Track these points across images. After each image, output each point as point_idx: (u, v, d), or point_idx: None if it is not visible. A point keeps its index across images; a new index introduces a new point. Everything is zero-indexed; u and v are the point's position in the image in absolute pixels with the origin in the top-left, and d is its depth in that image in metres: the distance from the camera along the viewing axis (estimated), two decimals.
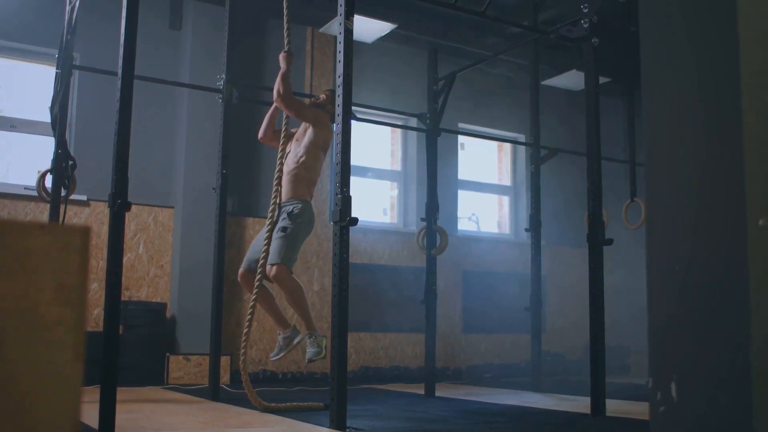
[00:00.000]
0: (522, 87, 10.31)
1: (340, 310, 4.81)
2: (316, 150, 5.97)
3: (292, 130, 6.24)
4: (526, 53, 9.32)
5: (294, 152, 6.01)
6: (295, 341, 5.83)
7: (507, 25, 8.77)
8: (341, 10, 5.08)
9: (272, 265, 5.64)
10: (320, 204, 9.19)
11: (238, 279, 6.03)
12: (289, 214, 5.81)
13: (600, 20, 6.45)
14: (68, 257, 1.20)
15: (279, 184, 5.90)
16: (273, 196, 5.88)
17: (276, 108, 6.22)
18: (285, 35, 5.90)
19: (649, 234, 2.70)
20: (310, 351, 5.68)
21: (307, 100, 6.35)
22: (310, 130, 5.97)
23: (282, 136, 6.07)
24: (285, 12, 5.89)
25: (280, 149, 5.99)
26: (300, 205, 5.86)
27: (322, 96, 6.22)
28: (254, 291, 5.63)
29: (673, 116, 2.60)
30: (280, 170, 5.92)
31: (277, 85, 5.79)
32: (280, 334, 5.91)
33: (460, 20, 9.34)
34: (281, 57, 5.88)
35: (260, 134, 6.34)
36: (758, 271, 2.28)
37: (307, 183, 5.97)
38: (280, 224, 5.78)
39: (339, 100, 5.01)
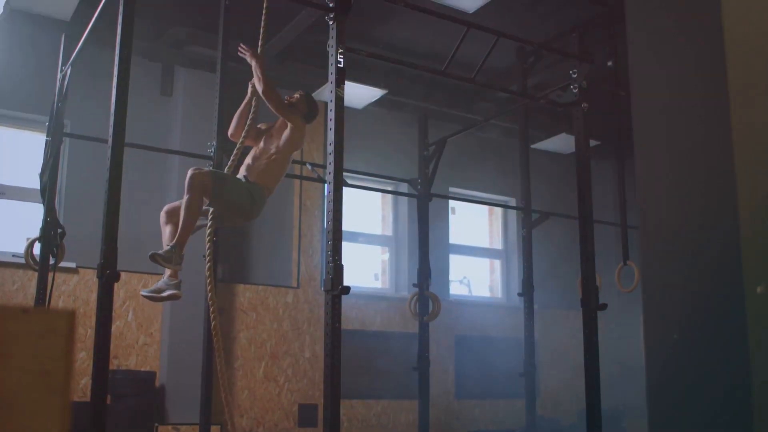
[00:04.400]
0: (512, 151, 10.35)
1: (333, 380, 4.74)
2: (289, 149, 5.81)
3: (260, 126, 6.08)
4: (515, 117, 9.38)
5: (267, 148, 5.81)
6: (165, 294, 5.40)
7: (497, 90, 8.84)
8: (332, 78, 5.10)
9: (196, 168, 5.35)
10: (312, 270, 9.14)
11: (166, 209, 5.65)
12: (249, 184, 5.63)
13: (589, 84, 6.50)
14: (52, 342, 1.15)
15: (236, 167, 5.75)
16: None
17: (246, 104, 5.96)
18: (260, 38, 5.76)
19: (645, 302, 2.66)
20: (162, 252, 5.25)
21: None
22: (288, 129, 5.78)
23: (245, 131, 5.85)
24: (264, 16, 5.79)
25: (240, 142, 5.77)
26: (261, 191, 5.65)
27: (296, 95, 6.06)
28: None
29: (667, 180, 2.58)
30: (236, 162, 5.72)
31: (262, 85, 5.55)
32: (163, 278, 5.49)
33: (450, 85, 9.42)
34: (249, 56, 5.63)
35: (230, 130, 6.03)
36: (757, 339, 2.24)
37: (274, 178, 5.80)
38: None
39: (330, 168, 5.00)
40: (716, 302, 2.28)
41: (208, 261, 5.64)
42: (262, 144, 5.91)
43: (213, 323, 5.61)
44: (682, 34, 2.42)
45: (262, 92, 5.59)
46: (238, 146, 5.81)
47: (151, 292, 5.41)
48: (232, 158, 5.79)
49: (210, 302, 5.62)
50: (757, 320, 2.15)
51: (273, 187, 5.82)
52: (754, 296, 2.13)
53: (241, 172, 5.75)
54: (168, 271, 5.47)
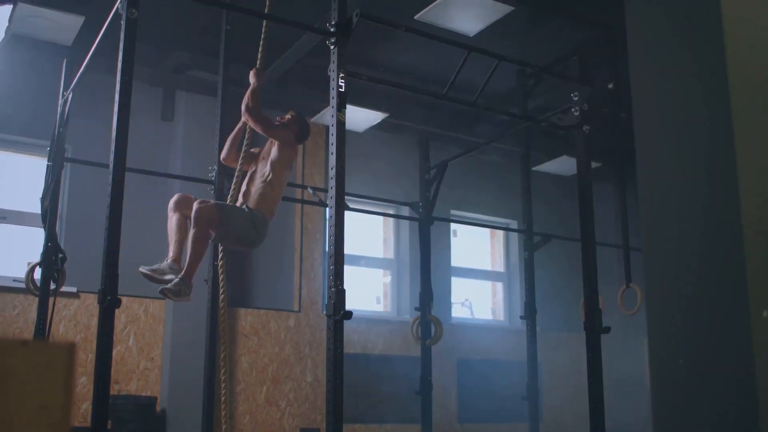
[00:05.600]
0: (513, 173, 10.33)
1: (335, 405, 4.71)
2: (281, 169, 5.88)
3: (253, 150, 6.18)
4: (517, 140, 9.38)
5: (260, 171, 5.92)
6: (166, 277, 5.45)
7: (498, 113, 8.85)
8: (333, 102, 5.10)
9: (202, 201, 5.51)
10: (313, 294, 9.11)
11: (176, 198, 5.79)
12: (251, 213, 5.74)
13: (590, 107, 6.50)
14: (52, 376, 1.14)
15: (235, 199, 5.90)
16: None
17: (240, 129, 6.12)
18: (258, 55, 5.95)
19: (650, 328, 2.64)
20: (172, 286, 5.35)
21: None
22: (275, 149, 5.88)
23: (241, 156, 6.02)
24: (263, 32, 5.98)
25: (238, 169, 5.97)
26: (262, 217, 5.77)
27: (288, 116, 6.15)
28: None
29: (670, 203, 2.57)
30: (236, 190, 5.92)
31: (246, 100, 5.74)
32: (167, 261, 5.60)
33: (451, 108, 9.43)
34: (251, 73, 5.85)
35: (223, 155, 6.19)
36: (764, 365, 2.22)
37: (272, 201, 5.88)
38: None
39: (332, 192, 4.99)
40: (722, 327, 2.26)
41: (222, 288, 5.79)
42: (256, 168, 5.99)
43: (223, 354, 5.63)
44: (682, 56, 2.41)
45: (243, 107, 5.77)
46: (237, 173, 5.88)
47: (152, 271, 5.47)
48: (233, 187, 5.86)
49: (221, 331, 5.64)
50: (764, 345, 2.13)
51: (273, 210, 5.89)
52: (759, 320, 2.11)
53: (239, 201, 5.82)
54: (171, 255, 5.59)
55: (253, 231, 5.72)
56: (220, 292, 5.83)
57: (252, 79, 5.82)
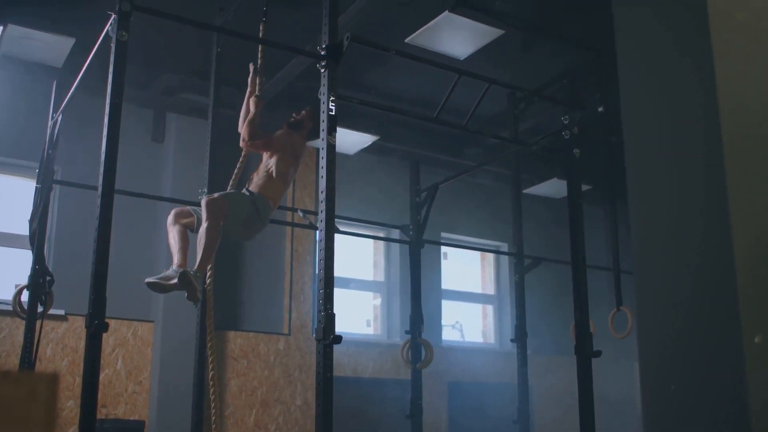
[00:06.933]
0: (503, 196, 10.35)
1: (325, 429, 4.68)
2: (285, 166, 6.00)
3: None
4: (507, 163, 9.39)
5: (265, 165, 6.05)
6: (172, 282, 5.36)
7: (489, 137, 8.87)
8: (324, 126, 5.09)
9: (209, 196, 5.60)
10: (303, 316, 9.07)
11: (174, 211, 5.82)
12: (253, 196, 5.83)
13: (580, 130, 6.52)
14: (34, 408, 1.11)
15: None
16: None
17: (250, 114, 6.10)
18: (257, 82, 6.07)
19: (641, 353, 2.63)
20: (191, 274, 5.31)
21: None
22: (279, 150, 6.04)
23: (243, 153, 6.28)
24: (259, 57, 6.07)
25: (241, 161, 6.23)
26: (264, 201, 5.85)
27: (303, 112, 6.26)
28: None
29: (661, 226, 2.56)
30: (236, 179, 6.19)
31: (244, 131, 5.91)
32: (173, 267, 5.53)
33: (442, 132, 9.44)
34: (252, 101, 5.97)
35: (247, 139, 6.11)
36: (756, 390, 2.20)
37: (276, 190, 5.98)
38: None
39: (322, 215, 4.97)
40: (714, 352, 2.24)
41: (210, 311, 5.80)
42: (264, 158, 6.12)
43: (211, 373, 5.60)
44: (673, 80, 2.41)
45: (242, 141, 5.98)
46: (239, 164, 6.16)
47: (158, 278, 5.40)
48: (236, 169, 5.97)
49: (209, 352, 5.62)
50: (756, 370, 2.11)
51: (276, 198, 6.00)
52: (752, 346, 2.10)
53: (254, 187, 5.96)
54: (176, 261, 5.55)
55: (255, 213, 5.79)
56: (207, 314, 5.79)
57: (252, 107, 5.87)
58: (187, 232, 5.72)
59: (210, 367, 5.94)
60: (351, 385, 9.15)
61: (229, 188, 6.10)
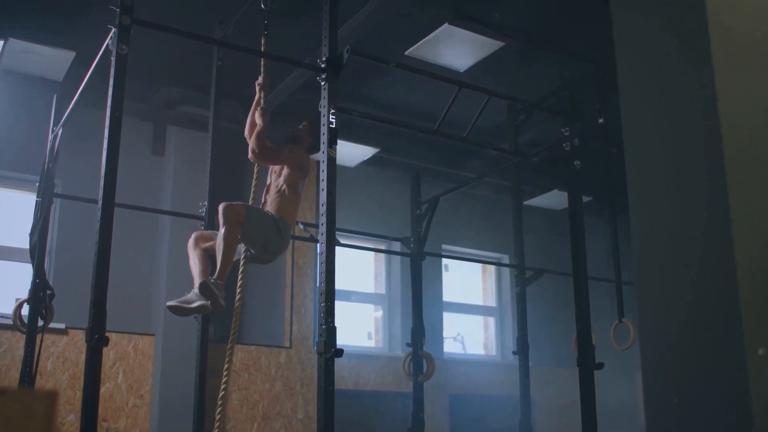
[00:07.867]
0: (504, 207, 10.34)
1: None
2: (294, 180, 5.98)
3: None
4: (507, 174, 9.38)
5: (275, 185, 6.04)
6: (195, 304, 5.37)
7: (489, 149, 8.87)
8: (324, 138, 5.09)
9: (226, 203, 5.54)
10: (304, 329, 9.05)
11: (195, 235, 5.83)
12: (275, 218, 5.81)
13: (580, 141, 6.52)
14: (33, 425, 1.10)
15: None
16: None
17: (257, 127, 6.01)
18: (262, 95, 6.04)
19: (644, 366, 2.61)
20: (212, 283, 5.36)
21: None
22: (286, 168, 6.02)
23: (257, 169, 6.28)
24: (262, 70, 6.03)
25: (255, 178, 6.23)
26: (285, 223, 5.85)
27: (301, 126, 6.23)
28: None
29: (662, 238, 2.55)
30: (255, 195, 6.18)
31: (252, 144, 5.84)
32: (194, 291, 5.48)
33: (442, 144, 9.44)
34: (257, 114, 5.93)
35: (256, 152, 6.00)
36: (760, 403, 2.19)
37: (291, 208, 5.97)
38: None
39: (323, 228, 4.97)
40: (717, 365, 2.22)
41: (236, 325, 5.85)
42: (272, 180, 6.13)
43: (224, 385, 5.59)
44: (673, 91, 2.41)
45: (250, 154, 5.90)
46: (254, 181, 6.17)
47: (180, 302, 5.38)
48: (253, 186, 6.14)
49: (226, 364, 5.63)
50: (760, 383, 2.10)
51: (293, 216, 6.02)
52: (755, 358, 2.08)
53: (269, 209, 5.96)
54: (197, 284, 5.49)
55: (278, 235, 5.77)
56: (231, 330, 5.82)
57: (258, 120, 5.85)
58: (207, 255, 5.70)
59: (223, 379, 5.86)
60: (352, 398, 9.12)
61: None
